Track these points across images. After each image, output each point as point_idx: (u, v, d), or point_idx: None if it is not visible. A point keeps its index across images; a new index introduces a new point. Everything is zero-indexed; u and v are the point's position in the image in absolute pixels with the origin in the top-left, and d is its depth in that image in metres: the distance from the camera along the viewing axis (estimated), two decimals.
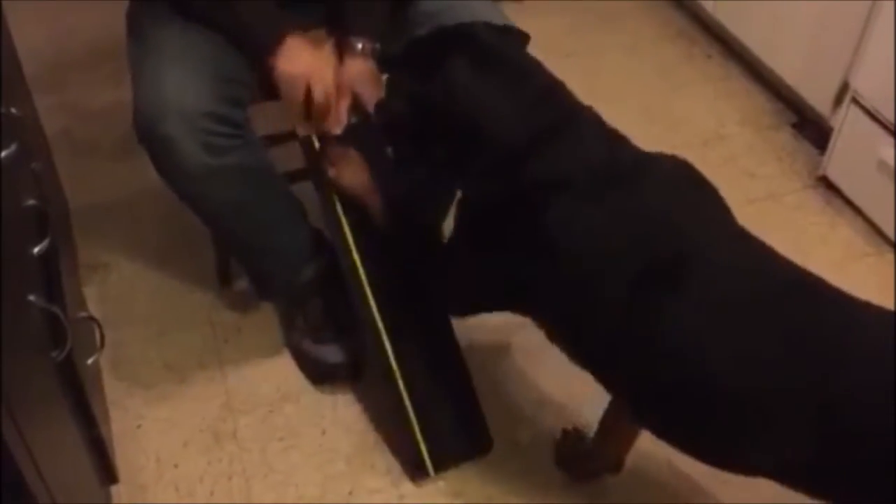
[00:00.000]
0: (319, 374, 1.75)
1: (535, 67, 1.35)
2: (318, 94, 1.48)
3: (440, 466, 1.59)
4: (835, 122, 2.12)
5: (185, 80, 1.44)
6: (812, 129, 2.32)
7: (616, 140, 1.32)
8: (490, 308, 1.46)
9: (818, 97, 2.22)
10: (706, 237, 1.25)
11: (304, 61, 1.48)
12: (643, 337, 1.22)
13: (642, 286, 1.21)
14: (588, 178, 1.25)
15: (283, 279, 1.74)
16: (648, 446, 1.45)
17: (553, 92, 1.32)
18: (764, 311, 1.20)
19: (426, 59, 1.34)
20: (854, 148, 2.07)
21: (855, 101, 2.03)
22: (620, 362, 1.27)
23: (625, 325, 1.23)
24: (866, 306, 1.20)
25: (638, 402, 1.33)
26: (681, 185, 1.30)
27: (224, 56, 1.50)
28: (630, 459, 1.55)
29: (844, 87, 2.08)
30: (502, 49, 1.35)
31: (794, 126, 2.37)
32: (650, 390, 1.27)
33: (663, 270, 1.21)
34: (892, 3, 1.87)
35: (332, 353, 1.73)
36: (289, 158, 1.70)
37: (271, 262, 1.71)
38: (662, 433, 1.30)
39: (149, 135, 1.45)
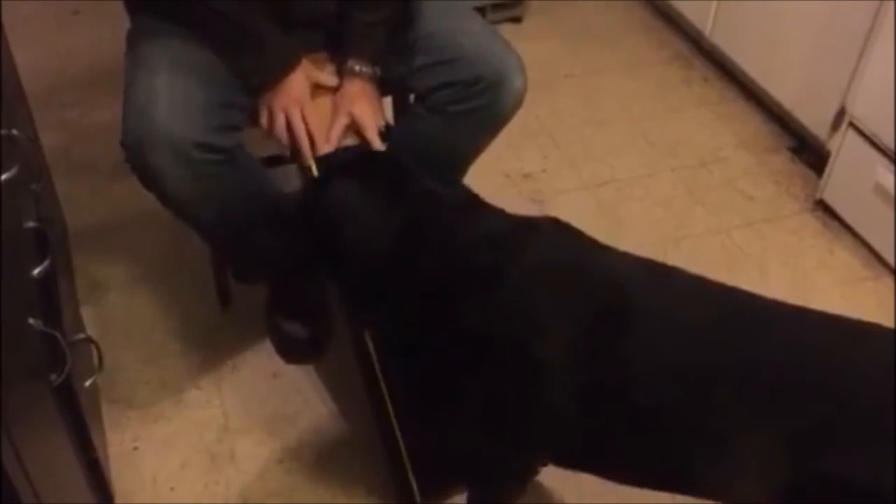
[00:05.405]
0: (285, 347, 1.81)
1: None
2: (299, 130, 1.52)
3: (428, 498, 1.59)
4: (832, 146, 2.14)
5: (176, 109, 1.42)
6: (810, 153, 2.33)
7: (482, 213, 1.28)
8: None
9: (815, 121, 2.23)
10: (630, 275, 1.21)
11: (291, 96, 1.51)
12: (608, 388, 1.16)
13: (591, 339, 1.15)
14: (475, 262, 1.20)
15: (265, 267, 1.77)
16: None
17: (418, 192, 1.28)
18: (711, 331, 1.15)
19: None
20: (851, 172, 2.08)
21: (852, 125, 2.04)
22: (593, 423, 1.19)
23: (587, 381, 1.16)
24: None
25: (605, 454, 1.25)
26: (572, 236, 1.27)
27: (220, 80, 1.49)
28: None
29: (841, 112, 2.09)
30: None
31: (791, 149, 2.38)
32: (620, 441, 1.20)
33: (606, 316, 1.16)
34: (890, 28, 1.88)
35: (299, 330, 1.80)
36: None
37: (255, 254, 1.72)
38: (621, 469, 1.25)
39: (137, 161, 1.43)
